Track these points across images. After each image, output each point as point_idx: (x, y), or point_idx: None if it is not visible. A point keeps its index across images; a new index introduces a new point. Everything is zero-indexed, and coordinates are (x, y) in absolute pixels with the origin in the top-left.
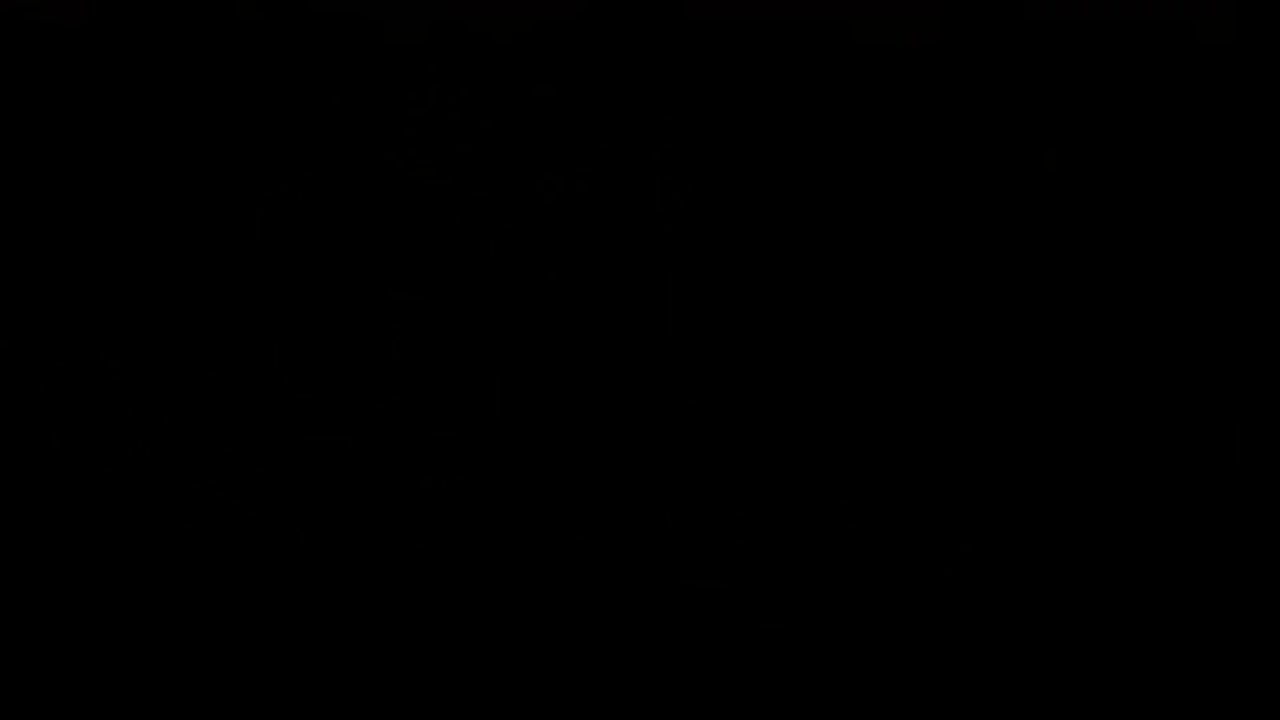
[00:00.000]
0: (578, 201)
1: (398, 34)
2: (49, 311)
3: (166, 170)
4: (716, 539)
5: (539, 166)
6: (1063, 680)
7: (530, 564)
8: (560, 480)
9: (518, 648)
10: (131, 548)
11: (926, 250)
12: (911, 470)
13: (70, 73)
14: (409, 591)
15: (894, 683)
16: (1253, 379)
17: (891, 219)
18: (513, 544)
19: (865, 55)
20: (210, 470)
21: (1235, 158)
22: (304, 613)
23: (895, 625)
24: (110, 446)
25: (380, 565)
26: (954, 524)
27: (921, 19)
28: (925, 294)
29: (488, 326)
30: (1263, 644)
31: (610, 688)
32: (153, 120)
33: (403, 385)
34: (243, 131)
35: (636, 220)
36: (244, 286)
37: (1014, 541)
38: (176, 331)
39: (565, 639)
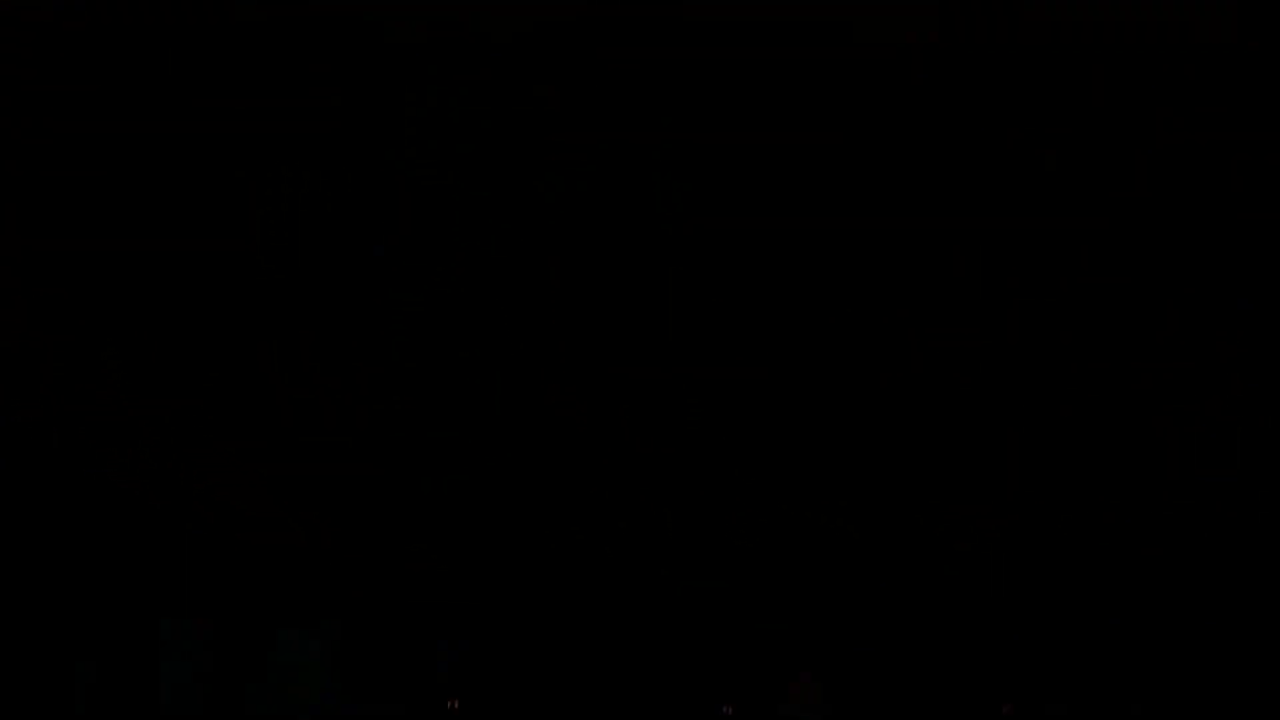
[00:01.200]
0: (578, 201)
1: (398, 34)
2: (49, 311)
3: (166, 170)
4: (716, 539)
5: (539, 166)
6: (1063, 678)
7: (530, 563)
8: (560, 480)
9: (517, 646)
10: (131, 546)
11: (926, 250)
12: (911, 470)
13: (70, 73)
14: (409, 591)
15: (893, 681)
16: (1253, 379)
17: (891, 219)
18: (512, 543)
19: (865, 55)
20: (210, 470)
21: (1235, 158)
22: (304, 612)
23: (895, 624)
24: (110, 446)
25: (380, 565)
26: (954, 524)
27: (921, 19)
28: (925, 294)
29: (488, 326)
30: (1263, 643)
31: (610, 685)
32: (153, 120)
33: (403, 385)
34: (243, 131)
35: (636, 220)
36: (244, 286)
37: (1014, 541)
38: (176, 331)
39: (565, 638)
